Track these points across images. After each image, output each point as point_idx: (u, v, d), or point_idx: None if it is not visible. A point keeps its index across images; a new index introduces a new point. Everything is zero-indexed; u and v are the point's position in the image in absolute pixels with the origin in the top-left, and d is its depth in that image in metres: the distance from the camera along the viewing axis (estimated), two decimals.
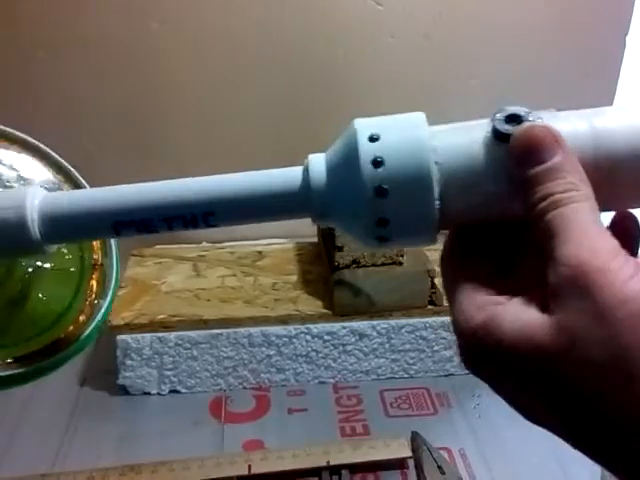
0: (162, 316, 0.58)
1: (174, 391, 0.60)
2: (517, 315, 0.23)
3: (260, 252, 0.69)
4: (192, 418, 0.57)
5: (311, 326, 0.59)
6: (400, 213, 0.25)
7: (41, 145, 0.36)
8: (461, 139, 0.26)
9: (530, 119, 0.24)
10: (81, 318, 0.34)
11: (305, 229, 0.73)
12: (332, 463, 0.50)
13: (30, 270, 0.33)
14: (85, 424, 0.56)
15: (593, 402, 0.21)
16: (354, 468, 0.51)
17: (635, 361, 0.20)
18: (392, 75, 0.72)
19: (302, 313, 0.58)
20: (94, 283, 0.35)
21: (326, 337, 0.59)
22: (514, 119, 0.25)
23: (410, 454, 0.51)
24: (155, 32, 0.69)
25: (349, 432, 0.56)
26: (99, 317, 0.35)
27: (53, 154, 0.36)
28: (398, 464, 0.52)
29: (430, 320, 0.59)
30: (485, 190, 0.25)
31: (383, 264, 0.57)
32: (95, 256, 0.35)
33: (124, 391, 0.60)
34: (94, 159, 0.71)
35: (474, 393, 0.60)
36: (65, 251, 0.34)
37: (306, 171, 0.27)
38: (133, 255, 0.68)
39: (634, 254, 0.26)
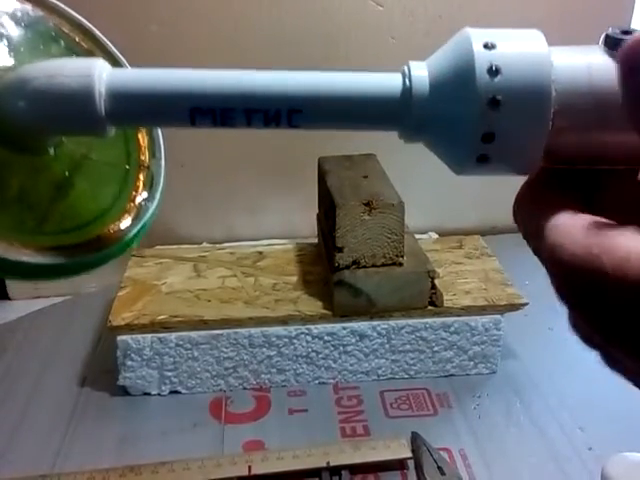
0: (162, 317, 0.58)
1: (174, 392, 0.60)
2: None
3: (260, 253, 0.69)
4: (192, 419, 0.57)
5: (311, 327, 0.59)
6: (510, 129, 0.23)
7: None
8: (576, 57, 0.24)
9: None
10: (125, 217, 0.32)
11: (306, 230, 0.74)
12: (332, 464, 0.50)
13: (78, 157, 0.31)
14: (85, 425, 0.56)
15: None
16: (354, 469, 0.51)
17: None
18: None
19: (302, 314, 0.58)
20: (140, 184, 0.34)
21: (326, 338, 0.59)
22: (629, 32, 0.22)
23: (410, 455, 0.51)
24: (154, 34, 0.69)
25: (349, 433, 0.56)
26: (144, 220, 0.33)
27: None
28: (398, 465, 0.52)
29: (430, 321, 0.59)
30: (603, 110, 0.23)
31: (383, 265, 0.57)
32: (142, 156, 0.34)
33: (124, 392, 0.60)
34: None
35: (474, 394, 0.60)
36: (111, 144, 0.32)
37: (407, 78, 0.25)
38: (133, 255, 0.68)
39: None
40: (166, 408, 0.59)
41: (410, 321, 0.59)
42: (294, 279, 0.64)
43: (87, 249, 0.31)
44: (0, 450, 0.53)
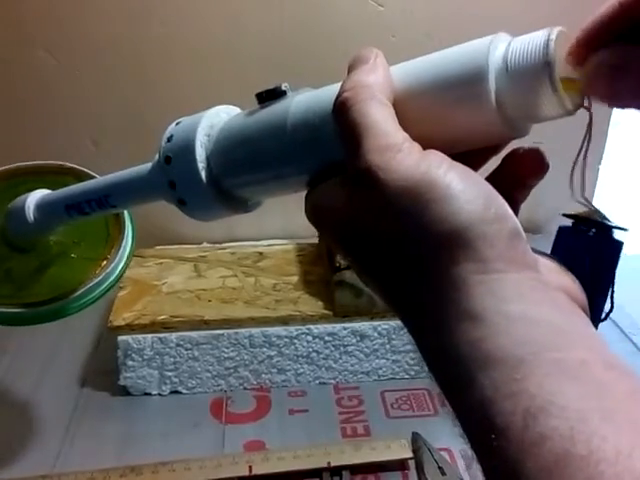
0: (163, 317, 0.58)
1: (175, 392, 0.60)
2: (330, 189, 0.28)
3: (261, 253, 0.69)
4: (193, 419, 0.57)
5: (312, 327, 0.59)
6: (180, 175, 0.32)
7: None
8: (239, 114, 0.33)
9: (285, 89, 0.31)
10: (80, 287, 0.45)
11: (306, 230, 0.74)
12: (333, 464, 0.50)
13: (55, 253, 0.46)
14: (86, 425, 0.56)
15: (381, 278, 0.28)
16: (355, 469, 0.51)
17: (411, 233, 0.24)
18: None
19: (303, 314, 0.58)
20: (99, 269, 0.46)
21: (327, 338, 0.59)
22: (272, 89, 0.31)
23: (411, 455, 0.51)
24: (158, 35, 0.69)
25: (350, 433, 0.56)
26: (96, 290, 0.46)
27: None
28: (399, 465, 0.52)
29: None
30: (247, 150, 0.30)
31: None
32: (108, 254, 0.47)
33: (125, 392, 0.59)
34: (96, 159, 0.71)
35: None
36: (92, 246, 0.47)
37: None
38: (134, 255, 0.68)
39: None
40: (167, 408, 0.59)
41: None
42: (295, 279, 0.64)
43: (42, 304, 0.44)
44: (1, 450, 0.53)
